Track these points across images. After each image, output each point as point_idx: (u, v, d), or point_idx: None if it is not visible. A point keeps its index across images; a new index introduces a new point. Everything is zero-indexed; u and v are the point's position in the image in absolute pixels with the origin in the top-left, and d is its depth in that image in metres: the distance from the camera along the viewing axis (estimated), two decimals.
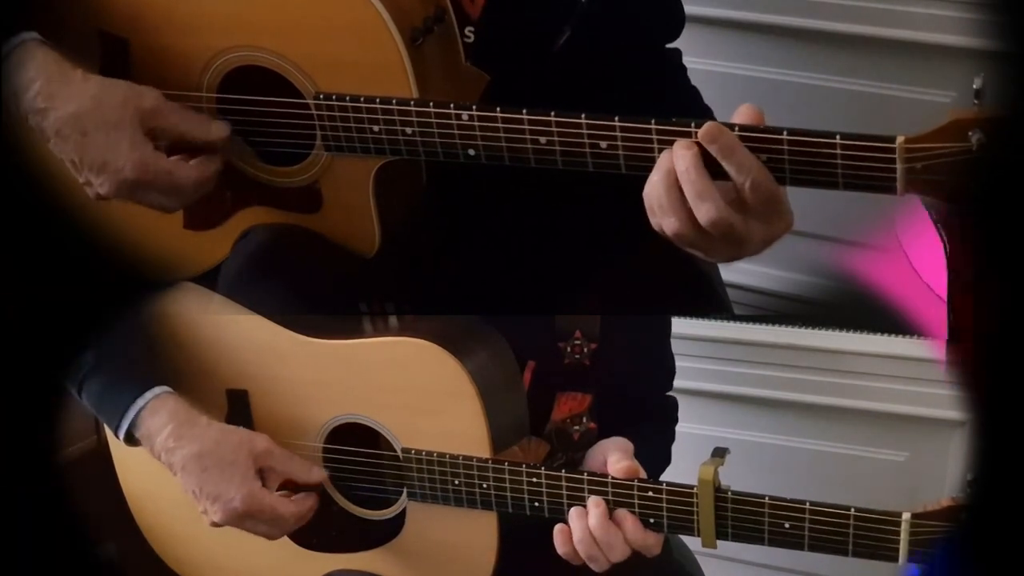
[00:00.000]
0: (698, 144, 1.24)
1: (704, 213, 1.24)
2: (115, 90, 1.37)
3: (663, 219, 1.28)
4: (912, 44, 2.00)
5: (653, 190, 1.27)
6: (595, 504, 1.43)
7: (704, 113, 1.49)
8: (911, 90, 2.03)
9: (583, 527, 1.43)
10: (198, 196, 1.43)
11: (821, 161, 1.21)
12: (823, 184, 1.22)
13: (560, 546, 1.45)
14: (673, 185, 1.25)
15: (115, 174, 1.37)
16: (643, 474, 1.45)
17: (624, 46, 1.54)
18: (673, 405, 1.72)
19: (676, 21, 1.62)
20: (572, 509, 1.45)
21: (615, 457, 1.46)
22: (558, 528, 1.45)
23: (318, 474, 1.55)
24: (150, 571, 1.72)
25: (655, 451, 1.61)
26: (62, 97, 1.36)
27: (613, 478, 1.44)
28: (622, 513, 1.43)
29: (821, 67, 2.07)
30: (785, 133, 1.22)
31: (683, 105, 1.57)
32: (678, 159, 1.25)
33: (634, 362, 1.63)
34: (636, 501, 1.42)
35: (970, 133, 1.16)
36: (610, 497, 1.43)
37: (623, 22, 1.53)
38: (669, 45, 1.64)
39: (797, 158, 1.22)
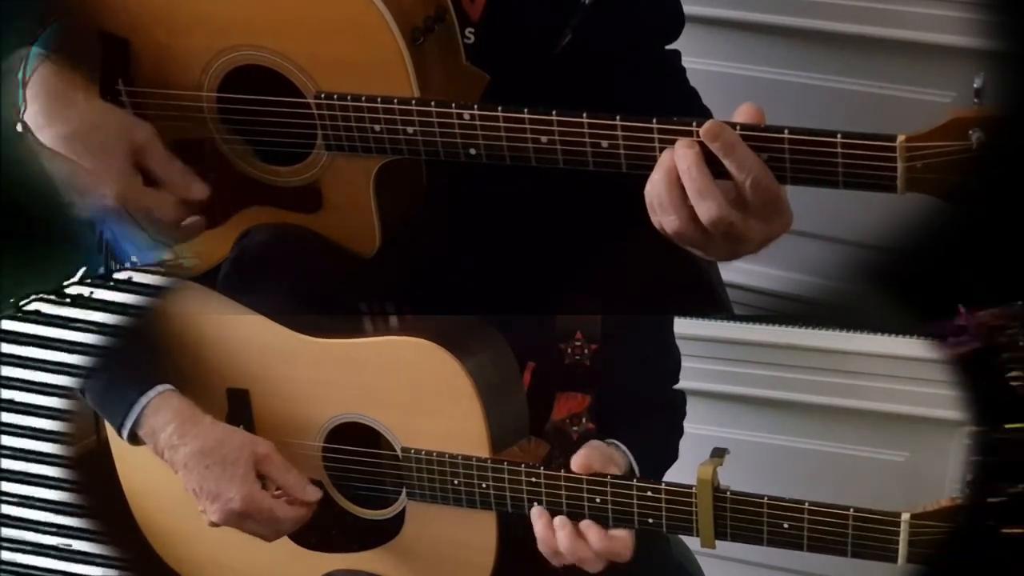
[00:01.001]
0: (700, 143, 1.24)
1: (705, 211, 1.24)
2: (111, 119, 1.40)
3: (664, 217, 1.28)
4: (912, 44, 2.00)
5: (654, 188, 1.28)
6: (561, 525, 1.45)
7: (703, 114, 1.49)
8: (911, 90, 2.02)
9: (552, 545, 1.46)
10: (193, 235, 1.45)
11: (822, 160, 1.21)
12: (824, 183, 1.22)
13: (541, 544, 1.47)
14: (675, 183, 1.26)
15: (99, 199, 1.38)
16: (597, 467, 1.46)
17: (624, 48, 1.54)
18: (681, 399, 1.72)
19: (676, 23, 1.62)
20: (534, 512, 1.46)
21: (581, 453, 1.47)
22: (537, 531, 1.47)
23: (312, 493, 1.54)
24: (150, 571, 1.72)
25: (659, 449, 1.61)
26: (61, 119, 1.38)
27: (612, 478, 1.44)
28: (585, 525, 1.45)
29: (821, 67, 2.06)
30: (786, 132, 1.22)
31: (682, 107, 1.57)
32: (679, 157, 1.25)
33: (636, 362, 1.63)
34: (635, 501, 1.42)
35: (970, 132, 1.16)
36: (608, 498, 1.43)
37: (624, 24, 1.53)
38: (668, 47, 1.64)
39: (798, 157, 1.23)
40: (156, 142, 1.40)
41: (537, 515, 1.47)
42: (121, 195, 1.38)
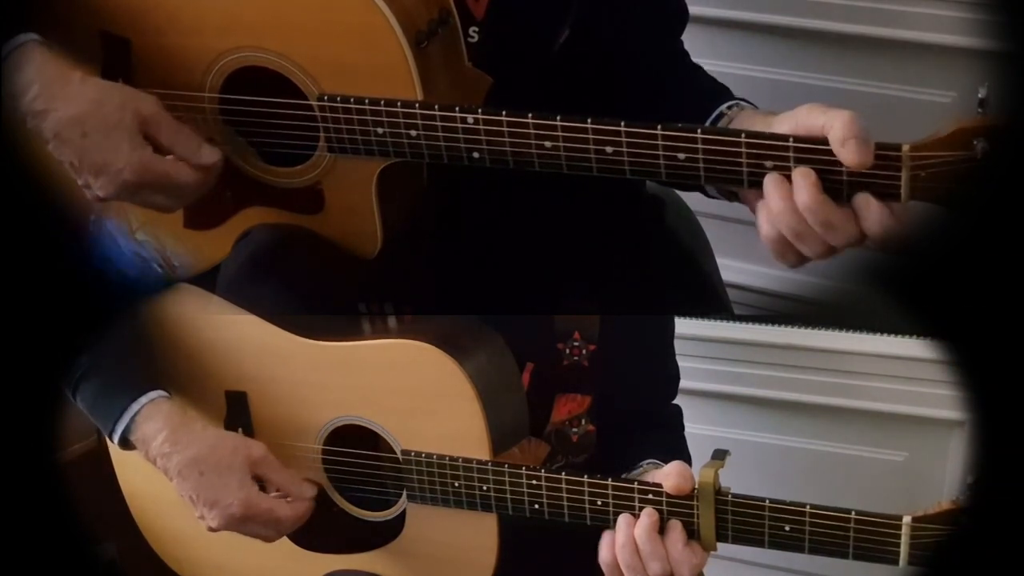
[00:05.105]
0: (816, 170, 1.22)
1: (836, 240, 1.24)
2: (114, 92, 1.37)
3: (802, 247, 1.26)
4: (912, 44, 2.00)
5: (783, 220, 1.25)
6: (648, 514, 1.41)
7: (712, 91, 1.48)
8: (911, 90, 2.02)
9: (628, 534, 1.42)
10: (197, 197, 1.43)
11: (825, 168, 1.22)
12: (828, 191, 1.22)
13: (603, 549, 1.44)
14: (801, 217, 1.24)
15: (115, 175, 1.37)
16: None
17: (625, 43, 1.53)
18: (677, 414, 1.72)
19: (678, 18, 1.61)
20: (620, 516, 1.43)
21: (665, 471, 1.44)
22: (605, 533, 1.44)
23: (309, 491, 1.55)
24: (150, 571, 1.72)
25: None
26: (61, 99, 1.35)
27: (613, 481, 1.43)
28: (672, 523, 1.41)
29: (821, 67, 2.06)
30: (791, 140, 1.22)
31: (688, 91, 1.54)
32: (798, 189, 1.22)
33: (634, 365, 1.63)
34: (636, 504, 1.42)
35: (975, 141, 1.17)
36: (610, 500, 1.43)
37: (623, 18, 1.52)
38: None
39: (803, 166, 1.23)
40: (162, 111, 1.39)
41: (626, 522, 1.42)
42: (138, 165, 1.37)
